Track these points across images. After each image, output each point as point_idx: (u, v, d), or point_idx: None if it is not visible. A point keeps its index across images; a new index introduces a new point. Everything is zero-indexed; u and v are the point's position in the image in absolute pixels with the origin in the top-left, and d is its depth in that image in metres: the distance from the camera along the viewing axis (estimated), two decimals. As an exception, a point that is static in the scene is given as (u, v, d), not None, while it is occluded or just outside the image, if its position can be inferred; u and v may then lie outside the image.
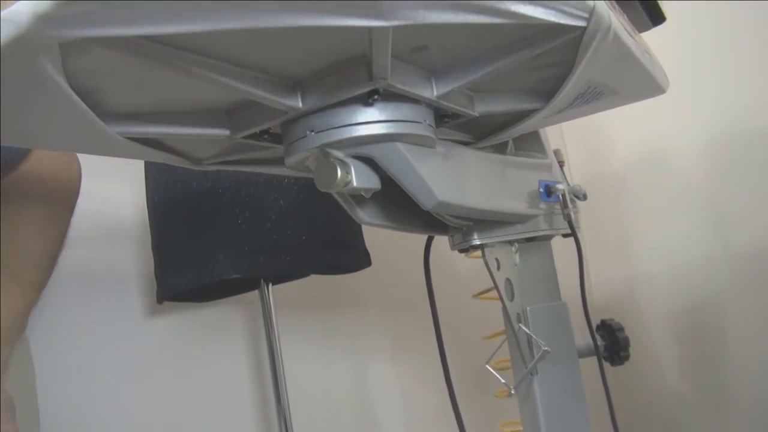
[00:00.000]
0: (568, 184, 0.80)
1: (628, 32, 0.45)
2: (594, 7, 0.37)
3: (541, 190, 0.71)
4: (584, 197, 0.80)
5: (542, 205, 0.71)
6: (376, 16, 0.32)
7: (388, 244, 1.08)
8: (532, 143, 0.76)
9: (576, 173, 1.45)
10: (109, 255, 1.01)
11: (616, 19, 0.41)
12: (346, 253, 0.94)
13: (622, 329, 0.77)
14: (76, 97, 0.37)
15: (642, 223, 1.40)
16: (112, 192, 1.00)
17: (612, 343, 0.77)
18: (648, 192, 1.38)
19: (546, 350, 0.71)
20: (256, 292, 0.99)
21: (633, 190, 1.41)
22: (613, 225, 1.44)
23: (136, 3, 0.28)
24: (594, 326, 0.83)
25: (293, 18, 0.31)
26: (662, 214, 1.35)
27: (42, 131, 0.43)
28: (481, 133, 0.67)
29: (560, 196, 0.72)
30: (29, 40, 0.30)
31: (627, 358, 0.77)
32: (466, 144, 0.66)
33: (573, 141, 1.50)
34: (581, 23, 0.38)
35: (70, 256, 0.89)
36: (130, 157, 0.54)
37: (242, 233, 0.88)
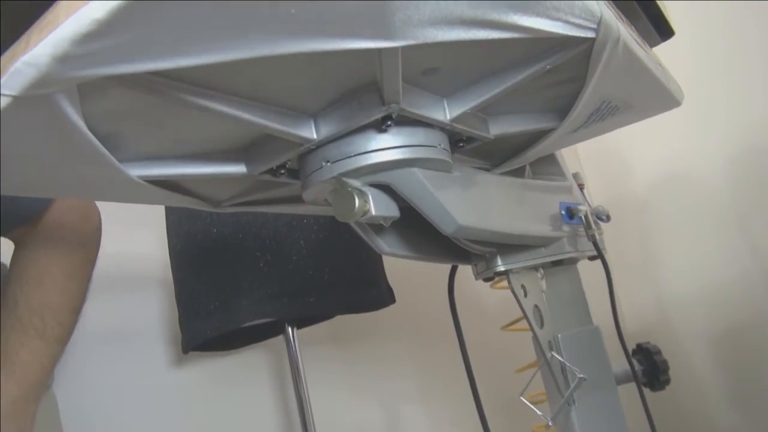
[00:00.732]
0: (590, 206, 0.79)
1: (638, 43, 0.45)
2: (602, 16, 0.37)
3: (563, 212, 0.70)
4: (608, 218, 0.79)
5: (565, 228, 0.70)
6: (385, 37, 0.32)
7: (412, 278, 1.07)
8: (549, 166, 0.75)
9: (596, 199, 1.43)
10: (133, 306, 1.01)
11: (624, 30, 0.41)
12: (369, 291, 0.93)
13: (659, 352, 0.74)
14: (95, 140, 0.38)
15: (669, 244, 1.37)
16: (136, 243, 1.01)
17: (650, 368, 0.74)
18: (672, 212, 1.36)
19: (582, 378, 0.68)
20: (280, 337, 0.98)
21: (656, 211, 1.39)
22: (639, 248, 1.41)
23: (151, 36, 0.29)
24: (630, 351, 0.80)
25: (302, 44, 0.31)
26: (689, 233, 1.32)
27: (61, 178, 0.44)
28: (496, 159, 0.67)
29: (583, 217, 0.70)
30: (49, 82, 0.30)
31: (667, 382, 0.74)
32: (483, 170, 0.66)
33: (590, 167, 1.49)
34: (590, 34, 0.38)
35: (94, 309, 0.89)
36: (149, 202, 0.55)
37: (265, 277, 0.88)
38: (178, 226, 0.93)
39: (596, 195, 1.48)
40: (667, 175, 1.37)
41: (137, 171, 0.45)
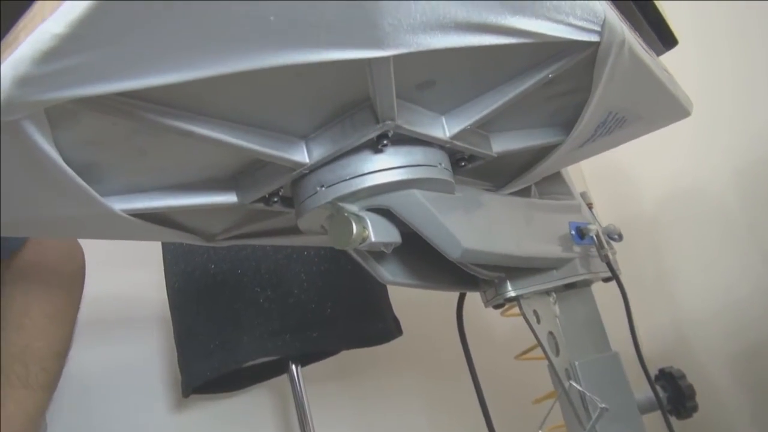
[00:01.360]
0: (601, 225, 0.75)
1: (643, 48, 0.43)
2: (605, 17, 0.35)
3: (573, 232, 0.67)
4: (620, 237, 0.76)
5: (576, 248, 0.67)
6: (374, 45, 0.30)
7: (418, 307, 1.03)
8: (556, 186, 0.73)
9: (604, 220, 1.40)
10: (132, 348, 0.98)
11: (629, 33, 0.39)
12: (374, 324, 0.89)
13: (683, 376, 0.70)
14: (70, 171, 0.35)
15: (681, 262, 1.33)
16: (133, 281, 0.98)
17: (675, 394, 0.70)
18: (682, 229, 1.32)
19: (604, 408, 0.64)
20: (284, 376, 0.94)
21: (666, 229, 1.35)
22: (651, 268, 1.37)
23: (117, 52, 0.26)
24: (652, 377, 0.76)
25: (284, 56, 0.29)
26: (702, 249, 1.28)
27: (38, 215, 0.41)
28: (500, 180, 0.64)
29: (594, 237, 0.67)
30: (13, 108, 0.28)
31: (695, 409, 0.69)
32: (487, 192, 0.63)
33: (596, 187, 1.46)
34: (594, 38, 0.36)
35: (91, 351, 0.86)
36: (136, 238, 0.52)
37: (265, 313, 0.84)
38: (175, 264, 0.90)
39: (603, 216, 1.44)
40: (675, 192, 1.34)
41: (121, 204, 0.43)
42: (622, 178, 1.44)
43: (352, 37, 0.29)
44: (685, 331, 1.30)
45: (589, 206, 0.81)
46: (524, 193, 0.69)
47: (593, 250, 0.68)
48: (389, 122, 0.39)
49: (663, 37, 0.58)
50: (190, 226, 0.55)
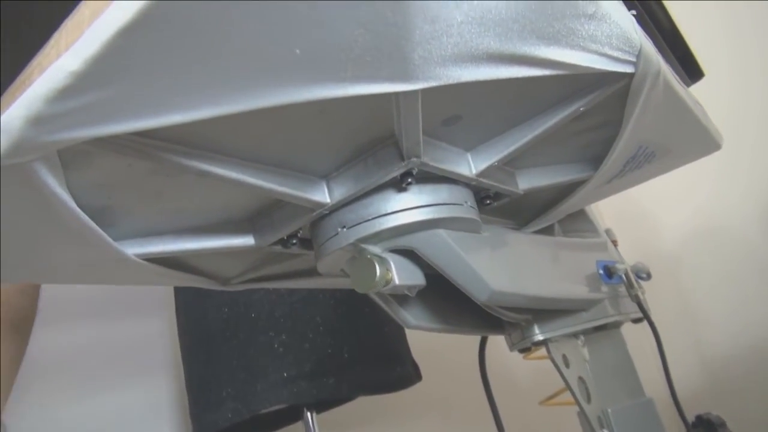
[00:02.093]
0: (628, 264, 0.73)
1: (677, 80, 0.41)
2: (641, 47, 0.33)
3: (601, 271, 0.65)
4: (648, 276, 0.73)
5: (604, 288, 0.64)
6: (403, 78, 0.28)
7: (437, 351, 1.00)
8: (580, 223, 0.70)
9: (626, 258, 1.37)
10: (142, 395, 0.95)
11: (665, 63, 0.37)
12: (393, 369, 0.85)
13: (724, 424, 0.66)
14: (83, 215, 0.34)
15: (708, 302, 1.28)
16: (143, 328, 0.96)
17: (715, 443, 0.66)
18: (708, 267, 1.28)
19: (641, 459, 0.60)
20: (299, 424, 0.90)
21: (691, 268, 1.32)
22: (678, 308, 1.33)
23: (134, 89, 0.25)
24: (690, 423, 0.72)
25: (310, 91, 0.27)
26: (729, 289, 1.24)
27: (46, 260, 0.40)
28: (523, 217, 0.62)
29: (623, 275, 0.65)
30: (25, 149, 0.27)
31: (737, 458, 0.65)
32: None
33: (616, 229, 1.44)
34: (629, 69, 0.35)
35: (100, 396, 0.83)
36: (149, 283, 0.50)
37: (280, 358, 0.81)
38: (187, 307, 0.88)
39: (625, 255, 1.41)
40: (698, 229, 1.31)
41: (134, 249, 0.41)
42: (643, 218, 1.42)
43: (380, 70, 0.27)
44: (715, 373, 1.25)
45: (614, 243, 0.78)
46: (548, 231, 0.67)
47: (622, 290, 0.66)
48: (415, 159, 0.37)
49: (689, 70, 0.57)
50: (205, 269, 0.53)
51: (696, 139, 0.52)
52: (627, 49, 0.33)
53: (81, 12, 0.27)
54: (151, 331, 0.97)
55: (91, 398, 0.76)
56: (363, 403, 0.94)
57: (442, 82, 0.29)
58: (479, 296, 0.45)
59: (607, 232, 0.78)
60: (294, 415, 0.90)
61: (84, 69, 0.24)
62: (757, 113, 1.18)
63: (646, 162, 0.52)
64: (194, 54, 0.24)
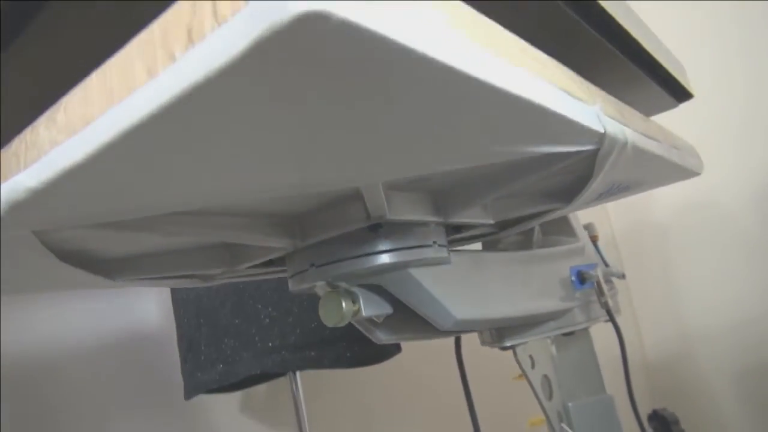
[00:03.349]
0: (606, 264, 0.74)
1: (649, 137, 0.41)
2: (605, 132, 0.33)
3: (574, 278, 0.67)
4: (622, 277, 0.75)
5: (577, 295, 0.66)
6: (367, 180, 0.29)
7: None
8: (560, 225, 0.71)
9: (617, 225, 1.38)
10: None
11: (633, 132, 0.38)
12: (372, 345, 0.89)
13: (677, 422, 0.70)
14: (66, 266, 0.35)
15: (693, 275, 1.31)
16: (139, 296, 0.99)
17: (667, 438, 0.70)
18: (696, 241, 1.30)
19: (593, 454, 0.65)
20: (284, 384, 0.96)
21: (679, 239, 1.33)
22: (661, 276, 1.36)
23: (101, 198, 0.26)
24: (648, 414, 0.76)
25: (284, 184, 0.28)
26: (715, 264, 1.26)
27: (38, 284, 0.42)
28: (503, 222, 0.63)
29: (595, 284, 0.67)
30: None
31: (685, 454, 0.70)
32: (489, 235, 0.62)
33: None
34: (595, 146, 0.35)
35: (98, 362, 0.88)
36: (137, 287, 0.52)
37: (265, 329, 0.85)
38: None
39: (616, 221, 1.43)
40: (688, 201, 1.32)
41: (120, 277, 0.43)
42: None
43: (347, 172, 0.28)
44: (691, 345, 1.30)
45: (594, 239, 0.79)
46: (527, 234, 0.68)
47: (594, 296, 0.68)
48: (380, 217, 0.38)
49: (675, 93, 0.56)
50: (188, 274, 0.55)
51: (672, 174, 0.52)
52: (591, 138, 0.33)
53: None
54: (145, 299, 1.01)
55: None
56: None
57: (411, 174, 0.30)
58: (443, 326, 0.47)
59: (588, 227, 0.79)
60: (278, 372, 0.95)
61: (43, 188, 0.24)
62: (754, 88, 1.16)
63: (621, 192, 0.52)
64: (164, 180, 0.25)
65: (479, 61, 0.21)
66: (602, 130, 0.33)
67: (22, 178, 0.25)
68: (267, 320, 0.85)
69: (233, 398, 1.04)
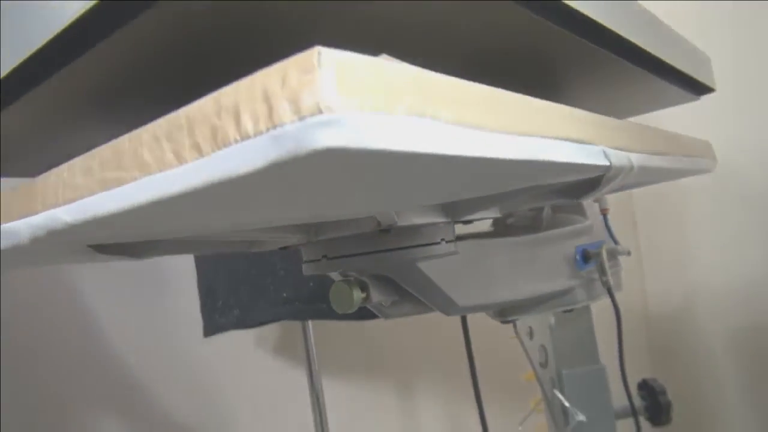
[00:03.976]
0: (614, 240, 0.76)
1: (658, 154, 0.42)
2: (610, 164, 0.34)
3: (578, 257, 0.68)
4: (628, 254, 0.76)
5: (581, 273, 0.69)
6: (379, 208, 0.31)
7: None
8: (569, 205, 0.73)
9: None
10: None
11: (639, 156, 0.38)
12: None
13: (664, 392, 0.74)
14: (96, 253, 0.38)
15: (702, 234, 1.32)
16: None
17: (653, 407, 0.75)
18: (706, 201, 1.30)
19: (581, 420, 0.69)
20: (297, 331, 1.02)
21: (691, 198, 1.33)
22: (671, 234, 1.37)
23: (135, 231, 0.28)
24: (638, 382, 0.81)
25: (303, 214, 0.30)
26: (724, 225, 1.26)
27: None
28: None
29: (599, 262, 0.68)
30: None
31: (668, 421, 0.74)
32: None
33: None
34: (600, 173, 0.36)
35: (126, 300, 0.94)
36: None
37: (280, 280, 0.89)
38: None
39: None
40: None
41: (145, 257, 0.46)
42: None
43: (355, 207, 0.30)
44: (693, 302, 1.32)
45: (604, 212, 0.80)
46: (537, 209, 0.70)
47: (596, 274, 0.70)
48: (390, 225, 0.40)
49: (694, 88, 0.55)
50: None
51: (683, 175, 0.53)
52: (595, 170, 0.34)
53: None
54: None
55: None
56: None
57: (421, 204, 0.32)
58: (447, 312, 0.50)
59: (599, 199, 0.80)
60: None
61: (77, 224, 0.27)
62: (764, 53, 1.12)
63: (632, 187, 0.53)
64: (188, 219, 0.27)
65: (481, 143, 0.22)
66: (608, 163, 0.34)
67: (60, 213, 0.27)
68: (282, 272, 0.89)
69: (248, 334, 1.11)
